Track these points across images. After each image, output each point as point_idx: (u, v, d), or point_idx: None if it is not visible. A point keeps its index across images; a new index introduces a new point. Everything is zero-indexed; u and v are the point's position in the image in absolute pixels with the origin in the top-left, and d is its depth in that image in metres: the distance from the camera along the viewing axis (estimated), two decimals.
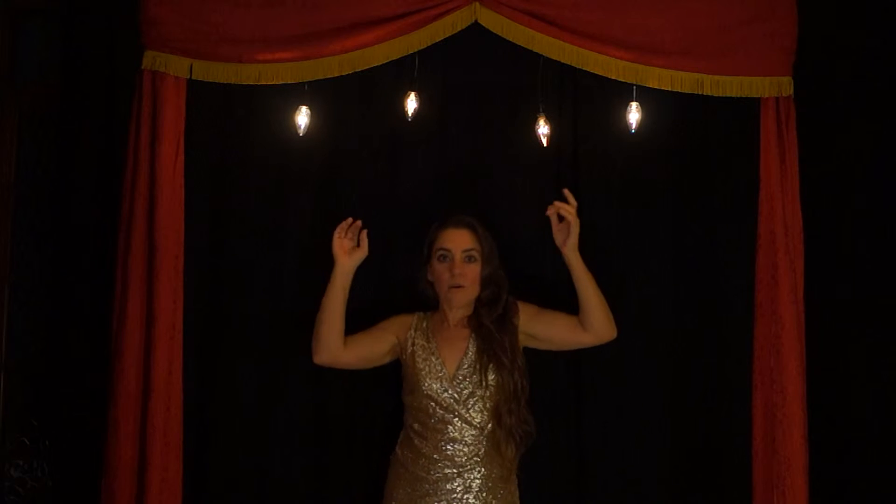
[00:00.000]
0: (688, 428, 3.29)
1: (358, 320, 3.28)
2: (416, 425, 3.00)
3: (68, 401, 3.41)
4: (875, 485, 3.28)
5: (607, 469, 3.27)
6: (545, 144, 3.28)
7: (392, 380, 3.17)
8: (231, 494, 3.30)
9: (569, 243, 2.98)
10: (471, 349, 3.00)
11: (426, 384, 2.97)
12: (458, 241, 3.04)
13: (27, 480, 3.67)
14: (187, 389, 3.20)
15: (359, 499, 3.28)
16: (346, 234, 3.05)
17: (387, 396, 3.24)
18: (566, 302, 3.33)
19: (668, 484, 3.28)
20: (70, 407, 3.41)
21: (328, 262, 3.35)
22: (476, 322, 3.04)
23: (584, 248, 3.31)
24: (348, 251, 3.05)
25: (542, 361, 3.16)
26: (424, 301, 3.15)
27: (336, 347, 3.02)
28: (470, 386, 2.96)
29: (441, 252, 3.04)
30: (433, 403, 2.96)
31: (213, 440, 3.30)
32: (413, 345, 3.04)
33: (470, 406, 2.95)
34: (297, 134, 3.27)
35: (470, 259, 3.04)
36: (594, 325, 2.99)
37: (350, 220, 3.06)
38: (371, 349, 3.08)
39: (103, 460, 3.16)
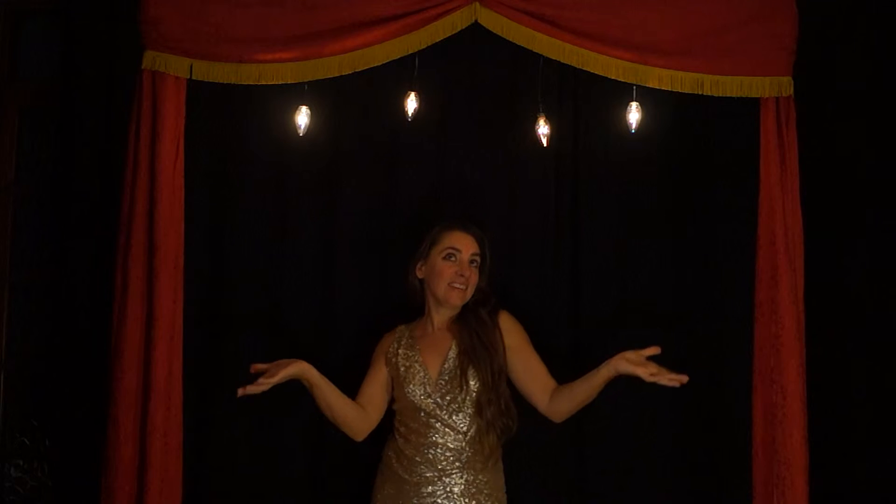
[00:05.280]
0: (688, 428, 3.29)
1: (358, 322, 3.29)
2: (401, 428, 3.03)
3: (68, 401, 3.41)
4: (875, 485, 3.28)
5: (607, 469, 3.27)
6: (545, 144, 3.28)
7: None
8: (231, 494, 3.30)
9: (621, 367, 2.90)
10: (452, 352, 3.02)
11: (409, 389, 2.99)
12: (467, 244, 3.06)
13: (27, 480, 3.67)
14: (187, 389, 3.20)
15: (356, 492, 3.26)
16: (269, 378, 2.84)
17: None
18: (564, 301, 3.34)
19: (667, 484, 3.28)
20: (70, 407, 3.40)
21: (327, 261, 3.37)
22: (459, 324, 3.05)
23: (585, 248, 3.32)
24: (289, 372, 2.86)
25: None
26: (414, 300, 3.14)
27: (361, 425, 3.04)
28: (452, 392, 2.97)
29: (449, 250, 3.04)
30: (417, 409, 2.98)
31: (214, 440, 3.31)
32: (396, 355, 3.06)
33: (453, 411, 2.97)
34: (297, 134, 3.27)
35: (474, 264, 3.07)
36: (557, 414, 3.00)
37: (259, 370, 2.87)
38: (386, 390, 3.09)
39: (103, 460, 3.15)
